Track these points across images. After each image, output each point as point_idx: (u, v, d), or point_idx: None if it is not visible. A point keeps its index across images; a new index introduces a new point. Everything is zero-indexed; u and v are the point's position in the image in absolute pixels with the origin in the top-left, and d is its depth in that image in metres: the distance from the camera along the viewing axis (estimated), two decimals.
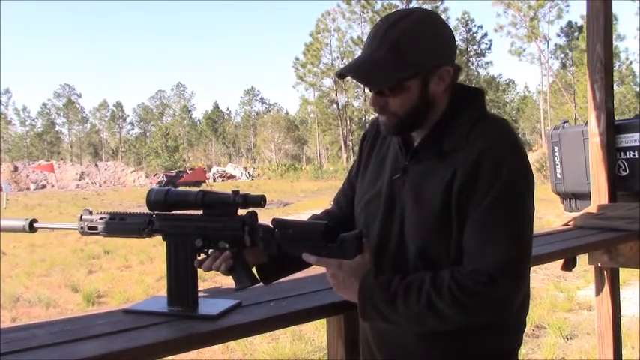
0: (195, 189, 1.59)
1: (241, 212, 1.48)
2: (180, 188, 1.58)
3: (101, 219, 1.53)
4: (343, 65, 1.42)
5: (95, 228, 1.53)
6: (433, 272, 1.30)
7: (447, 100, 1.40)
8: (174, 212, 1.51)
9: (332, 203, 1.76)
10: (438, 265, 1.32)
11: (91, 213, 1.55)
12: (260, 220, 1.50)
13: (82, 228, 1.54)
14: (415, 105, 1.35)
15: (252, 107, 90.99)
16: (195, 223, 1.49)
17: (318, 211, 1.78)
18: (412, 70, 1.32)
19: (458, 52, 1.44)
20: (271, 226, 1.47)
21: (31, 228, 1.54)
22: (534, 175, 1.38)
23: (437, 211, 1.33)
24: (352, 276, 1.36)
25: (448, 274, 1.27)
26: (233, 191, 1.46)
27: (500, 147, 1.32)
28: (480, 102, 1.43)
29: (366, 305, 1.33)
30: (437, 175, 1.35)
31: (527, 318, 1.53)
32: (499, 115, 1.48)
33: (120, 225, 1.52)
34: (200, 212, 1.50)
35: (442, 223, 1.33)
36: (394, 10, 1.45)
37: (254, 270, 1.54)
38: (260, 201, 1.43)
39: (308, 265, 1.52)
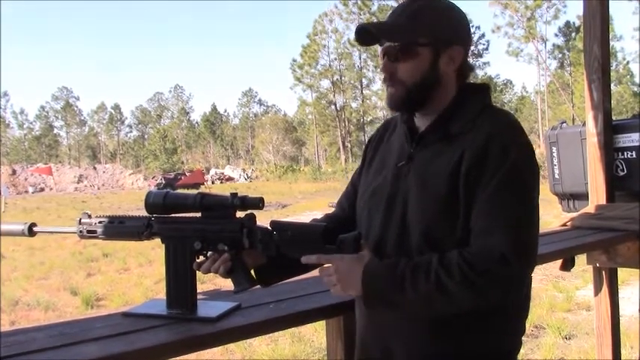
0: (194, 191, 1.60)
1: (240, 214, 1.49)
2: (179, 190, 1.59)
3: (100, 222, 1.54)
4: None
5: (94, 231, 1.54)
6: (440, 253, 1.29)
7: (455, 90, 1.44)
8: (172, 215, 1.51)
9: (330, 205, 1.77)
10: (442, 249, 1.32)
11: (89, 216, 1.55)
12: (259, 222, 1.50)
13: (81, 231, 1.54)
14: (424, 76, 1.39)
15: (250, 109, 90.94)
16: (193, 225, 1.50)
17: (318, 213, 1.78)
18: (426, 38, 1.38)
19: None
20: (270, 228, 1.48)
21: (30, 232, 1.54)
22: None
23: (443, 193, 1.34)
24: (355, 266, 1.35)
25: (456, 253, 1.27)
26: (231, 193, 1.46)
27: (508, 132, 1.36)
28: (486, 94, 1.47)
29: (370, 291, 1.32)
30: (443, 157, 1.37)
31: (526, 320, 1.53)
32: (503, 108, 1.52)
33: (119, 228, 1.53)
34: (199, 215, 1.51)
35: (448, 205, 1.33)
36: None
37: (253, 272, 1.55)
38: (258, 203, 1.44)
39: (307, 269, 1.52)
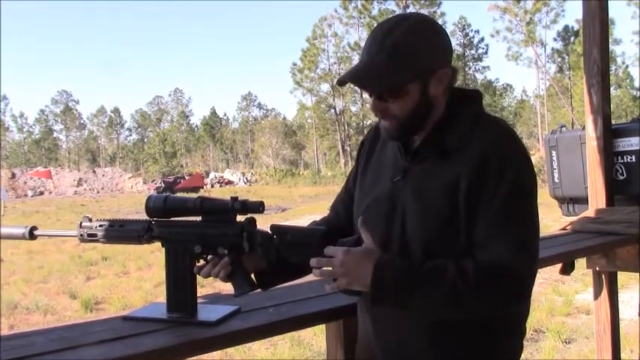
0: (193, 195, 1.60)
1: (240, 218, 1.49)
2: (178, 194, 1.59)
3: (100, 226, 1.54)
4: (341, 70, 1.46)
5: (95, 235, 1.53)
6: (456, 261, 1.28)
7: (446, 102, 1.42)
8: (173, 219, 1.52)
9: (330, 210, 1.75)
10: None
11: (90, 220, 1.55)
12: (258, 226, 1.50)
13: (81, 235, 1.54)
14: (415, 108, 1.37)
15: (249, 113, 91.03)
16: (194, 229, 1.50)
17: (318, 217, 1.78)
18: (411, 74, 1.34)
19: (455, 56, 1.47)
20: (270, 232, 1.47)
21: (31, 235, 1.54)
22: None
23: (442, 210, 1.33)
24: (365, 260, 1.31)
25: (471, 262, 1.27)
26: (232, 197, 1.46)
27: (505, 145, 1.35)
28: (478, 102, 1.46)
29: (379, 287, 1.29)
30: (440, 174, 1.36)
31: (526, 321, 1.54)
32: (496, 115, 1.51)
33: (119, 232, 1.53)
34: (199, 218, 1.51)
35: (448, 222, 1.33)
36: (390, 17, 1.46)
37: (252, 276, 1.54)
38: (259, 207, 1.44)
39: (307, 272, 1.51)
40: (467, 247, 1.32)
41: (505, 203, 1.29)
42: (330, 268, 1.35)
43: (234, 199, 1.45)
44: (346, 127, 57.93)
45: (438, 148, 1.39)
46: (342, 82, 1.39)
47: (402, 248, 1.39)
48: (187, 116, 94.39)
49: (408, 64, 1.33)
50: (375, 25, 1.42)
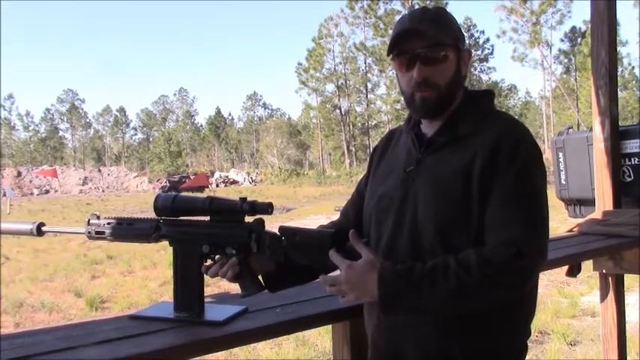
0: (199, 194, 1.60)
1: (248, 219, 1.49)
2: (184, 193, 1.59)
3: (108, 224, 1.54)
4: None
5: (102, 232, 1.54)
6: (454, 254, 1.29)
7: (461, 96, 1.49)
8: (181, 218, 1.52)
9: (336, 209, 1.76)
10: (457, 249, 1.32)
11: (98, 218, 1.56)
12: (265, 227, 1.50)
13: (89, 232, 1.55)
14: (452, 79, 1.44)
15: (254, 112, 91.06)
16: (202, 229, 1.50)
17: (322, 217, 1.78)
18: (451, 38, 1.44)
19: None
20: (278, 233, 1.48)
21: (39, 231, 1.55)
22: None
23: (457, 193, 1.35)
24: (367, 273, 1.33)
25: (472, 252, 1.28)
26: (240, 198, 1.46)
27: (516, 131, 1.41)
28: (490, 99, 1.53)
29: (388, 297, 1.30)
30: (454, 158, 1.40)
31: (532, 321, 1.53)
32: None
33: (127, 230, 1.53)
34: (207, 218, 1.51)
35: (462, 205, 1.35)
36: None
37: (260, 278, 1.55)
38: (267, 208, 1.45)
39: (315, 276, 1.51)
40: (479, 230, 1.34)
41: (513, 185, 1.33)
42: (339, 286, 1.36)
43: (243, 199, 1.46)
44: (351, 127, 57.90)
45: (451, 136, 1.43)
46: (403, 33, 1.41)
47: (414, 235, 1.41)
48: (192, 116, 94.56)
49: (450, 30, 1.44)
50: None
